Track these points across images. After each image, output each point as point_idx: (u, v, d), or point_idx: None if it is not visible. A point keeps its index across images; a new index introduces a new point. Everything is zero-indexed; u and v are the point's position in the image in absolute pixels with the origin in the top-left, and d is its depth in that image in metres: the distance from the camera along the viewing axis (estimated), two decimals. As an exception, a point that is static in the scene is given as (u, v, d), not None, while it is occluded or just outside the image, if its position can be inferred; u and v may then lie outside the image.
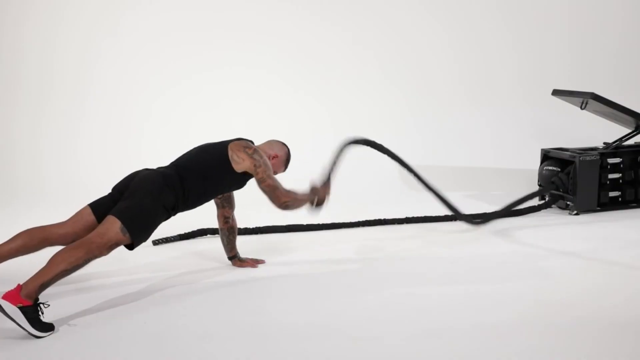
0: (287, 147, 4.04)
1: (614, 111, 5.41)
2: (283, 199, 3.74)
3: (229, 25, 6.94)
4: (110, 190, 3.64)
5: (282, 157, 3.98)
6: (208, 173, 3.67)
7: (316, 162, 6.47)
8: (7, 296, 3.00)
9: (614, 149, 5.50)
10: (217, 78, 6.92)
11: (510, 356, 2.88)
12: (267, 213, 5.30)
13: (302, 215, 5.11)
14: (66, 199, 5.59)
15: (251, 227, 4.87)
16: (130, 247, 3.44)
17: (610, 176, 5.42)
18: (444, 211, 5.26)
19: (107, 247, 3.29)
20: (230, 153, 3.73)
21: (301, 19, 7.05)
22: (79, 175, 6.36)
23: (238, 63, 6.95)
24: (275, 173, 3.99)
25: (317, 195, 3.87)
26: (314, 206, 3.88)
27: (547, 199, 5.53)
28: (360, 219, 5.11)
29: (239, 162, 3.72)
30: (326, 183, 3.94)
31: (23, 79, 6.80)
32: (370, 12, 7.14)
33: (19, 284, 3.06)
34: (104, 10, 6.83)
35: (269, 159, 3.91)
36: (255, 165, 3.72)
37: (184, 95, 6.88)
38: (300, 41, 7.03)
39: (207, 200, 3.77)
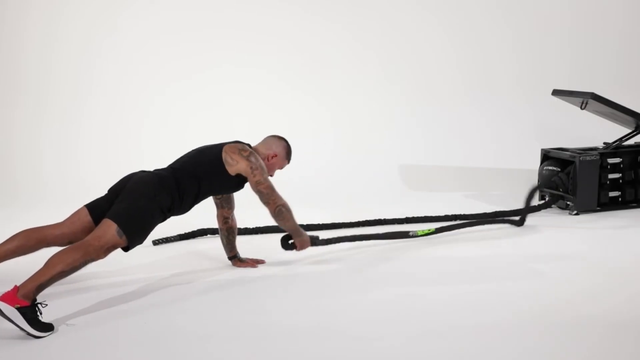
0: (284, 140, 4.02)
1: (614, 111, 5.41)
2: (279, 202, 3.77)
3: (229, 25, 6.94)
4: (106, 192, 3.64)
5: (280, 153, 3.97)
6: (202, 175, 3.67)
7: (316, 161, 6.55)
8: (4, 297, 2.99)
9: (614, 149, 5.50)
10: (217, 77, 6.92)
11: (510, 356, 2.88)
12: (267, 213, 5.32)
13: (301, 215, 5.14)
14: (66, 199, 5.58)
15: (251, 227, 4.87)
16: (126, 249, 3.44)
17: (610, 176, 5.42)
18: (444, 211, 5.28)
19: (104, 250, 3.29)
20: (224, 155, 3.72)
21: (302, 19, 7.04)
22: (78, 175, 6.36)
23: (238, 62, 6.94)
24: (281, 168, 4.02)
25: (301, 238, 3.96)
26: (289, 244, 4.02)
27: (547, 198, 5.53)
28: (360, 219, 5.11)
29: (233, 165, 3.72)
30: (314, 240, 4.06)
31: (23, 79, 6.79)
32: (370, 11, 7.13)
33: (15, 285, 3.05)
34: (103, 10, 6.82)
35: (268, 159, 3.91)
36: (251, 168, 3.72)
37: (184, 95, 6.88)
38: (300, 41, 7.02)
39: (201, 200, 3.77)
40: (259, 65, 6.95)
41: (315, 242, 4.08)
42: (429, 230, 4.64)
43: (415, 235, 4.57)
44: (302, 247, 4.01)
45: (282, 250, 4.09)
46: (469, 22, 7.24)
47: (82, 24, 6.81)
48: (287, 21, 7.01)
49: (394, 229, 4.84)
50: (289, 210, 3.81)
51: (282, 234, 4.09)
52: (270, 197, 3.75)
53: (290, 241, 4.02)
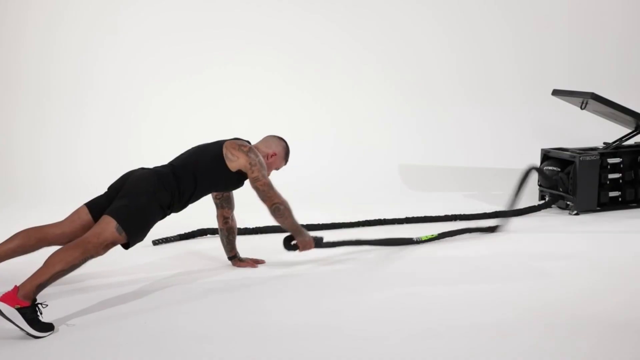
0: (284, 141, 4.03)
1: (614, 111, 5.41)
2: (275, 199, 3.75)
3: (229, 25, 6.95)
4: (106, 190, 3.63)
5: (280, 153, 3.98)
6: (202, 172, 3.67)
7: (316, 161, 6.56)
8: (4, 298, 2.99)
9: (614, 149, 5.50)
10: (216, 77, 6.92)
11: (510, 356, 2.88)
12: (266, 213, 5.32)
13: (301, 215, 5.14)
14: (65, 198, 5.56)
15: (251, 227, 4.87)
16: (126, 246, 3.43)
17: (610, 176, 5.42)
18: (444, 211, 5.27)
19: (104, 247, 3.29)
20: (225, 151, 3.73)
21: (301, 19, 7.05)
22: (78, 175, 6.36)
23: (238, 62, 6.95)
24: (277, 168, 4.01)
25: (303, 238, 3.93)
26: (291, 244, 3.98)
27: (547, 198, 5.53)
28: (360, 219, 5.11)
29: (233, 160, 3.72)
30: (317, 241, 4.01)
31: (23, 79, 6.80)
32: (370, 11, 7.14)
33: (15, 285, 3.05)
34: (103, 10, 6.83)
35: (267, 157, 3.91)
36: (250, 164, 3.72)
37: (183, 94, 6.88)
38: (300, 40, 7.03)
39: (202, 196, 3.76)
40: (258, 65, 6.96)
41: (319, 243, 4.04)
42: (432, 235, 4.62)
43: (419, 241, 4.55)
44: (305, 248, 3.98)
45: (282, 250, 4.08)
46: (469, 23, 7.25)
47: (82, 24, 6.81)
48: (287, 21, 7.02)
49: (396, 232, 4.82)
50: (287, 208, 3.79)
51: (284, 234, 4.07)
52: (267, 195, 3.74)
53: (292, 242, 3.99)
